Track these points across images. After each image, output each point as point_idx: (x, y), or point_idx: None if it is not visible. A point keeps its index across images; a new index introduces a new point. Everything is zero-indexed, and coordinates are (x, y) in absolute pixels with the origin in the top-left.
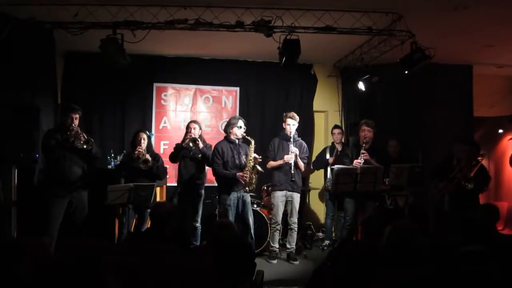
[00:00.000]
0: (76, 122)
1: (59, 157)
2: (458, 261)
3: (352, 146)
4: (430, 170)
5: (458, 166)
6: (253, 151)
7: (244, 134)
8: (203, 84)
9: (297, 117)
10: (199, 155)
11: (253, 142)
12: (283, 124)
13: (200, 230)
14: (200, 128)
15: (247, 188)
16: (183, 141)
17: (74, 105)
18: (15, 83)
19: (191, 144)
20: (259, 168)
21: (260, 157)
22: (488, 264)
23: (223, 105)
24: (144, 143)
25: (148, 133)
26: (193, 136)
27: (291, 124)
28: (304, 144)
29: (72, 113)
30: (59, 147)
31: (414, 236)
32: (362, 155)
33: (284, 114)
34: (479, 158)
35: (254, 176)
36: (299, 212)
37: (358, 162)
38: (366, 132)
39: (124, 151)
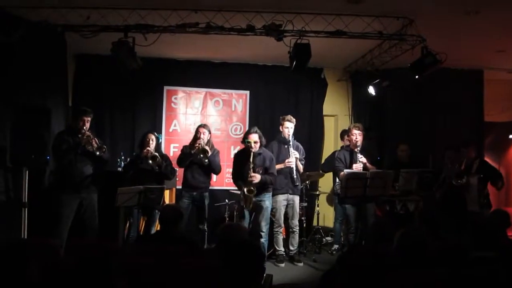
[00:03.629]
0: (88, 125)
1: (70, 159)
2: (468, 266)
3: (343, 151)
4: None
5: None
6: (251, 173)
7: (253, 150)
8: (213, 87)
9: (294, 120)
10: (206, 161)
11: (250, 164)
12: (280, 128)
13: (206, 233)
14: (210, 133)
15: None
16: (192, 145)
17: (86, 108)
18: (27, 85)
19: (201, 156)
20: (251, 188)
21: (255, 177)
22: (498, 269)
23: (233, 109)
24: (152, 144)
25: (156, 134)
26: (202, 142)
27: (289, 127)
28: (300, 146)
29: (84, 116)
30: (70, 150)
31: (425, 241)
32: (360, 159)
33: (281, 117)
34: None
35: (248, 201)
36: (308, 216)
37: (358, 166)
38: (357, 136)
39: (134, 153)
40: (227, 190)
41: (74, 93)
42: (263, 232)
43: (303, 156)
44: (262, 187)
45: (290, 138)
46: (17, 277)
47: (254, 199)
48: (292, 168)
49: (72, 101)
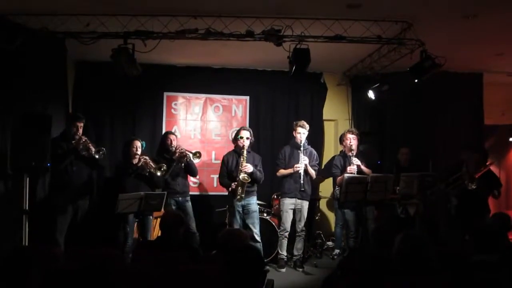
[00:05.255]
0: (81, 130)
1: (66, 166)
2: (470, 270)
3: (339, 156)
4: (438, 176)
5: (464, 169)
6: (244, 163)
7: (245, 145)
8: (213, 93)
9: (307, 126)
10: (183, 165)
11: (245, 154)
12: (294, 133)
13: (198, 235)
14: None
15: (238, 197)
16: (165, 153)
17: (78, 114)
18: (27, 92)
19: (196, 160)
20: (245, 176)
21: (247, 166)
22: (499, 273)
23: (233, 114)
24: (139, 152)
25: (141, 141)
26: (177, 149)
27: (302, 133)
28: (314, 152)
29: (77, 122)
30: (66, 156)
31: (425, 245)
32: (353, 161)
33: (295, 122)
34: (487, 163)
35: (241, 189)
36: (309, 221)
37: (352, 169)
38: (351, 140)
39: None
40: (227, 196)
41: (74, 100)
42: (257, 235)
43: (317, 162)
44: (248, 191)
45: (302, 144)
46: (19, 284)
47: (243, 202)
48: (300, 173)
49: (72, 108)
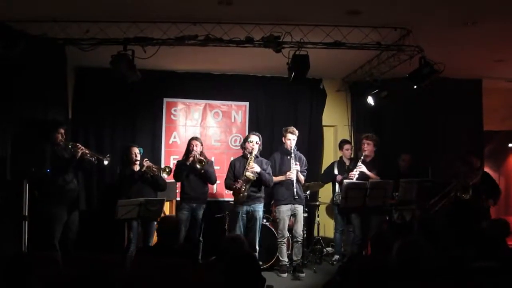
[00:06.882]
0: (64, 136)
1: (63, 174)
2: (469, 276)
3: (352, 161)
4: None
5: (455, 181)
6: (251, 163)
7: (254, 148)
8: (213, 99)
9: (296, 132)
10: (202, 171)
11: (253, 155)
12: (283, 139)
13: (202, 244)
14: (202, 144)
15: (240, 195)
16: (186, 158)
17: (60, 119)
18: (28, 98)
19: (198, 166)
20: (251, 174)
21: (254, 167)
22: (498, 279)
23: (232, 120)
24: (138, 157)
25: (138, 147)
26: (196, 154)
27: (292, 139)
28: (302, 157)
29: (61, 128)
30: (67, 165)
31: (424, 251)
32: (358, 167)
33: (284, 129)
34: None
35: (245, 186)
36: (308, 226)
37: (353, 174)
38: (365, 146)
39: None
40: (228, 202)
41: (74, 106)
42: (257, 242)
43: (305, 168)
44: (255, 196)
45: (293, 150)
46: None
47: (247, 207)
48: (293, 180)
49: (72, 114)
